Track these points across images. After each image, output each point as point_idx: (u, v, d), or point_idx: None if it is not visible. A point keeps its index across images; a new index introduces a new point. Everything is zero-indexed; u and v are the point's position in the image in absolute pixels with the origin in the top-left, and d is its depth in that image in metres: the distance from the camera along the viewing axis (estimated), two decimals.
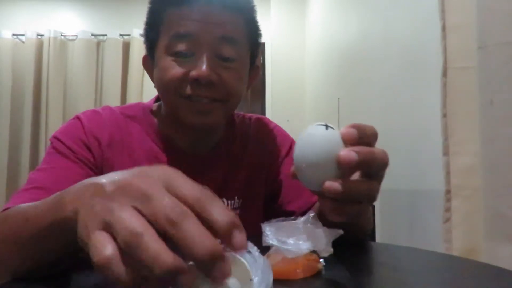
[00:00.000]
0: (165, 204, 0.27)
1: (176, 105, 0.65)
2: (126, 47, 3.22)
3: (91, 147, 0.66)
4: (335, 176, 0.36)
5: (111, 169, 0.66)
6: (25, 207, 0.45)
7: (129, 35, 3.20)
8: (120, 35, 3.21)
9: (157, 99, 0.77)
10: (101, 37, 3.23)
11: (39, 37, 3.19)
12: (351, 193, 0.37)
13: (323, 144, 0.37)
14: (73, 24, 3.31)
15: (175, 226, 0.26)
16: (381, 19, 1.74)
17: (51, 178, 0.61)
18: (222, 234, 0.28)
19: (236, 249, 0.28)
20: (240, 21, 0.66)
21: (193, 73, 0.61)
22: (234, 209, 0.72)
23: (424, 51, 1.34)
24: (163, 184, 0.29)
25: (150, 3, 0.68)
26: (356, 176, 0.39)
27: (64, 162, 0.63)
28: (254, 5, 0.70)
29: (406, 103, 1.48)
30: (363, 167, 0.38)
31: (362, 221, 0.61)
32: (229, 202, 0.72)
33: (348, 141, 0.37)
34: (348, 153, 0.35)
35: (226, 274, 0.27)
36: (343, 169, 0.36)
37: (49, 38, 3.16)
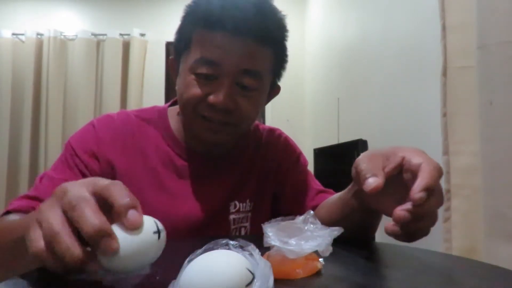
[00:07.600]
0: (72, 194, 0.34)
1: (191, 121, 0.68)
2: (126, 46, 3.20)
3: (99, 157, 0.68)
4: None
5: (125, 175, 0.68)
6: (14, 218, 0.53)
7: (128, 34, 3.19)
8: (120, 34, 3.21)
9: (172, 103, 0.79)
10: (101, 37, 3.23)
11: (39, 36, 3.19)
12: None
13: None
14: (73, 23, 3.31)
15: (73, 209, 0.32)
16: (381, 19, 1.74)
17: (52, 191, 0.63)
18: (117, 213, 0.33)
19: (128, 226, 0.32)
20: (268, 54, 0.66)
21: (211, 98, 0.63)
22: (246, 211, 0.75)
23: (424, 50, 1.34)
24: (86, 185, 0.35)
25: (182, 17, 0.68)
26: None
27: (69, 175, 0.65)
28: (287, 34, 0.69)
29: (405, 103, 1.48)
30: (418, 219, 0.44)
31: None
32: (241, 204, 0.74)
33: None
34: (402, 213, 0.43)
35: (112, 249, 0.31)
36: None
37: (49, 37, 3.16)
